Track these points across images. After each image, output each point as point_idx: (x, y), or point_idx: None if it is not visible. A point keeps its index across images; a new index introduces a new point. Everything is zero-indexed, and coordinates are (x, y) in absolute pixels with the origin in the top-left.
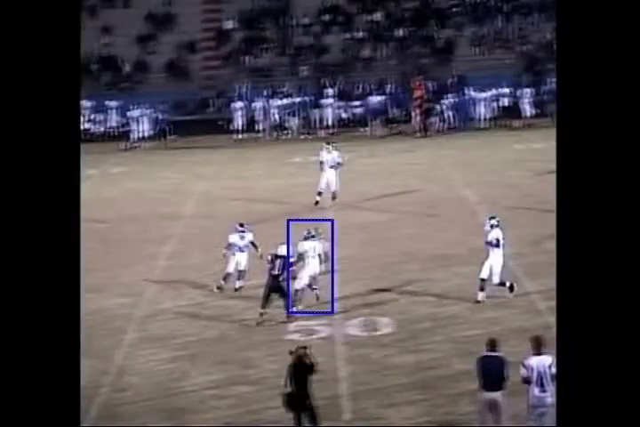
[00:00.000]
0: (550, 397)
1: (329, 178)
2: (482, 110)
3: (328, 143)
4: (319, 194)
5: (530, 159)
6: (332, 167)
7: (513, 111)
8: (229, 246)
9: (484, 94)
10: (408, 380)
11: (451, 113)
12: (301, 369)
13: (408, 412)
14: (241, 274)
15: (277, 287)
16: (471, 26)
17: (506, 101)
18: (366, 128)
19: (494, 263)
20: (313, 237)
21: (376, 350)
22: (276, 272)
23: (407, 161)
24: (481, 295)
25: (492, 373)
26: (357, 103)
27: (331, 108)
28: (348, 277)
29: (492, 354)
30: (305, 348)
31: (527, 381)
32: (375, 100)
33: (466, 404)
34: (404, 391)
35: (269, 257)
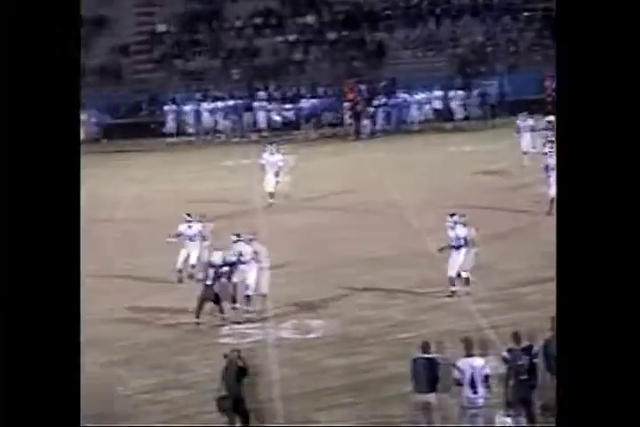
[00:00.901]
0: (481, 398)
1: (269, 180)
2: (414, 113)
3: (271, 143)
4: (271, 195)
5: (461, 162)
6: (272, 169)
7: (445, 114)
8: (178, 236)
9: (416, 97)
10: (341, 382)
11: (383, 116)
12: (234, 373)
13: (339, 415)
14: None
15: (212, 295)
16: (403, 29)
17: (437, 104)
18: (298, 131)
19: (462, 260)
20: (244, 240)
21: (309, 352)
22: (210, 282)
23: (339, 164)
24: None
25: (425, 375)
26: (289, 106)
27: (263, 112)
28: (282, 280)
29: (425, 356)
30: (238, 351)
31: (459, 382)
32: (307, 103)
33: (398, 406)
34: (336, 394)
35: (202, 266)
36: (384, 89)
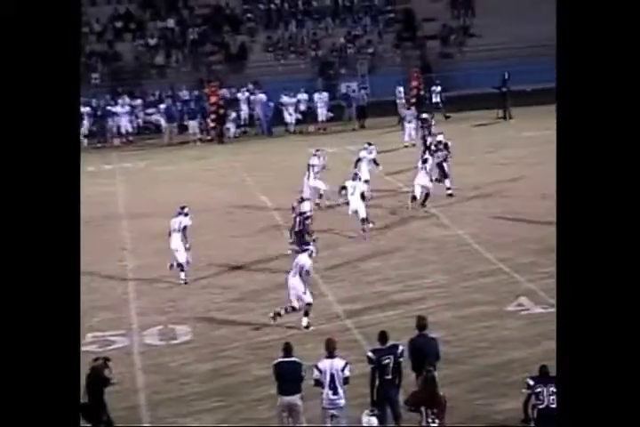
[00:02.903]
0: (342, 399)
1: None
2: (277, 115)
3: (317, 150)
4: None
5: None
6: (317, 173)
7: (308, 116)
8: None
9: (279, 100)
10: (206, 387)
11: (246, 119)
12: (96, 381)
13: (207, 420)
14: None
15: (299, 242)
16: (264, 31)
17: (301, 106)
18: (161, 135)
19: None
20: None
21: (174, 358)
22: (298, 229)
23: (203, 167)
24: None
25: (289, 377)
26: (151, 111)
27: (125, 116)
28: (142, 287)
29: (288, 359)
30: (105, 359)
31: (320, 384)
32: (170, 106)
33: (265, 409)
34: (202, 399)
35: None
36: (247, 92)
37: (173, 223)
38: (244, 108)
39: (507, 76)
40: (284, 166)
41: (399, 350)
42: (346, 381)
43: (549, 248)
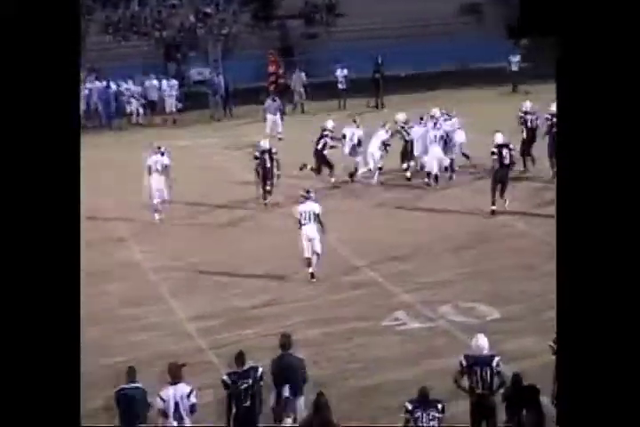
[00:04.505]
0: None
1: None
2: (119, 105)
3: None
4: None
5: (174, 159)
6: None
7: (156, 105)
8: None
9: (121, 87)
10: None
11: (83, 109)
12: None
13: None
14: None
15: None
16: (102, 10)
17: (147, 95)
18: None
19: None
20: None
21: None
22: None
23: None
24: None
25: (131, 407)
26: None
27: None
28: None
29: (131, 386)
30: None
31: (164, 414)
32: None
33: None
34: None
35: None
36: (84, 78)
37: (153, 162)
38: (80, 97)
39: (379, 61)
40: (125, 164)
41: (258, 373)
42: (192, 408)
43: (421, 255)
